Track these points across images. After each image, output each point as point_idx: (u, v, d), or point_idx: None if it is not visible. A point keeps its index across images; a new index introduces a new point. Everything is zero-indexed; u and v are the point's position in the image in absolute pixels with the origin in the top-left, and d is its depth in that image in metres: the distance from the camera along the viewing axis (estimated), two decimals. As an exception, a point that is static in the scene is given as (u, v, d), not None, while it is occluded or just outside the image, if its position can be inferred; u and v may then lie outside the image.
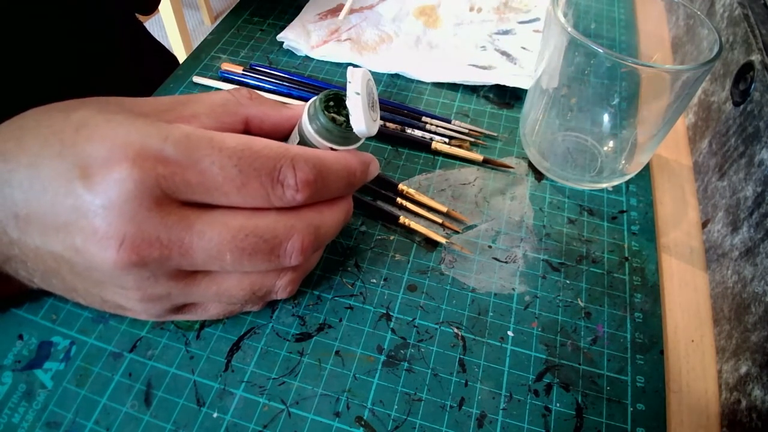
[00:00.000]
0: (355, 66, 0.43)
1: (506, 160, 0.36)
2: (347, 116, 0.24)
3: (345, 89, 0.24)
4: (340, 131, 0.24)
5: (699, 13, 0.29)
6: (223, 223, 0.21)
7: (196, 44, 0.50)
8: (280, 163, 0.21)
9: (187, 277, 0.22)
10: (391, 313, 0.28)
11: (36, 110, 0.22)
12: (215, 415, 0.24)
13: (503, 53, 0.44)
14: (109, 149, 0.20)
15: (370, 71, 0.42)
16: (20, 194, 0.20)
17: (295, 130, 0.25)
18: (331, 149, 0.24)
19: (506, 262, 0.31)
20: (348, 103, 0.23)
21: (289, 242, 0.22)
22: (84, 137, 0.20)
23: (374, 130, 0.24)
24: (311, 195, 0.22)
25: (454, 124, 0.38)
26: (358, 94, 0.23)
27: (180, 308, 0.24)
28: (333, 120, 0.24)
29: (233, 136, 0.21)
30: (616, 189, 0.35)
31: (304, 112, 0.24)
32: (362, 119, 0.23)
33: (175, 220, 0.20)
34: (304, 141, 0.24)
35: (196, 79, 0.40)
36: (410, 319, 0.28)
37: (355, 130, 0.23)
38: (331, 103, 0.24)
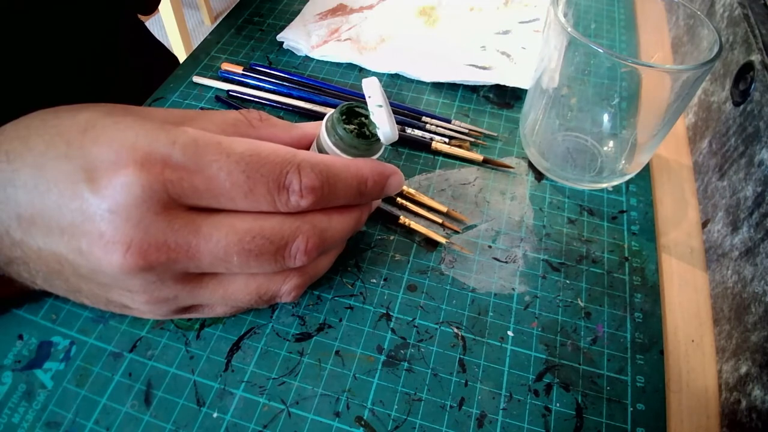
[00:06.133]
0: (354, 65, 0.43)
1: (506, 160, 0.36)
2: (363, 127, 0.25)
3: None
4: (359, 142, 0.24)
5: (699, 13, 0.29)
6: (230, 226, 0.21)
7: (196, 44, 0.50)
8: (286, 169, 0.21)
9: (194, 280, 0.23)
10: (391, 313, 0.28)
11: (43, 111, 0.22)
12: (215, 415, 0.24)
13: (503, 53, 0.44)
14: (116, 152, 0.20)
15: (370, 71, 0.42)
16: (24, 194, 0.20)
17: (313, 145, 0.26)
18: None
19: (506, 262, 0.31)
20: (373, 117, 0.24)
21: (294, 243, 0.22)
22: (91, 139, 0.20)
23: (397, 135, 0.25)
24: (316, 201, 0.22)
25: (454, 124, 0.38)
26: (380, 106, 0.24)
27: (187, 308, 0.24)
28: (351, 132, 0.24)
29: (241, 140, 0.21)
30: (616, 189, 0.35)
31: (321, 126, 0.25)
32: (389, 129, 0.24)
33: (182, 224, 0.20)
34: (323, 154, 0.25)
35: (196, 79, 0.40)
36: (410, 319, 0.28)
37: (383, 140, 0.25)
38: (344, 117, 0.25)
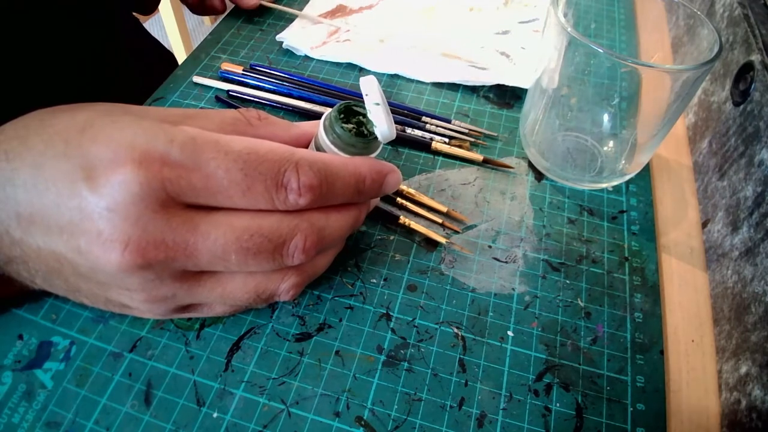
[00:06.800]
0: (354, 65, 0.43)
1: (506, 160, 0.36)
2: (361, 125, 0.25)
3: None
4: (357, 141, 0.24)
5: (699, 13, 0.29)
6: (228, 224, 0.21)
7: (196, 44, 0.50)
8: (284, 167, 0.21)
9: (192, 278, 0.23)
10: (391, 313, 0.28)
11: (41, 111, 0.22)
12: (215, 415, 0.24)
13: (503, 53, 0.44)
14: (114, 151, 0.20)
15: (369, 71, 0.42)
16: (23, 194, 0.20)
17: (311, 144, 0.26)
18: None
19: (506, 262, 0.31)
20: (370, 116, 0.24)
21: (292, 241, 0.22)
22: (89, 138, 0.20)
23: (395, 134, 0.25)
24: (315, 199, 0.22)
25: (454, 124, 0.38)
26: (378, 104, 0.24)
27: (186, 307, 0.24)
28: (349, 131, 0.24)
29: (239, 139, 0.21)
30: (616, 189, 0.35)
31: (319, 125, 0.25)
32: (386, 127, 0.24)
33: (180, 222, 0.20)
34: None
35: (197, 79, 0.40)
36: (410, 319, 0.28)
37: (380, 138, 0.24)
38: (342, 116, 0.25)
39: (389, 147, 0.37)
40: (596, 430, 0.25)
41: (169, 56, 0.60)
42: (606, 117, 0.35)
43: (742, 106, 0.32)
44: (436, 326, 0.28)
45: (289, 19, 0.47)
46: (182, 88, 0.40)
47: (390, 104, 0.39)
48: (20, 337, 0.26)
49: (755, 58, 0.31)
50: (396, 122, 0.37)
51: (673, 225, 0.34)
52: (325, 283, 0.29)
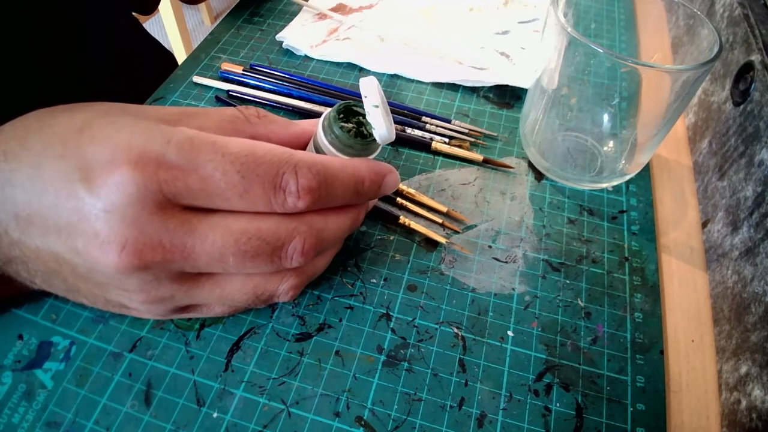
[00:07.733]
0: (354, 65, 0.43)
1: (506, 160, 0.36)
2: (361, 125, 0.25)
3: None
4: (355, 142, 0.24)
5: (699, 13, 0.29)
6: (226, 227, 0.21)
7: (196, 44, 0.50)
8: (283, 170, 0.21)
9: (190, 280, 0.22)
10: (391, 313, 0.28)
11: (40, 111, 0.22)
12: (215, 415, 0.24)
13: (502, 53, 0.44)
14: (112, 152, 0.20)
15: (369, 71, 0.42)
16: (22, 194, 0.20)
17: (310, 144, 0.26)
18: None
19: (506, 262, 0.31)
20: (369, 118, 0.24)
21: (290, 244, 0.22)
22: (87, 139, 0.20)
23: (394, 136, 0.24)
24: (314, 202, 0.22)
25: (454, 124, 0.38)
26: (377, 106, 0.24)
27: (185, 308, 0.24)
28: (348, 131, 0.24)
29: (237, 140, 0.21)
30: (616, 189, 0.35)
31: (318, 125, 0.25)
32: (385, 130, 0.24)
33: (177, 223, 0.20)
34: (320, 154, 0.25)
35: (196, 79, 0.40)
36: (410, 319, 0.28)
37: (379, 141, 0.24)
38: (341, 116, 0.24)
39: (389, 147, 0.37)
40: (596, 430, 0.25)
41: (169, 56, 0.60)
42: (606, 117, 0.35)
43: (742, 106, 0.32)
44: (436, 326, 0.28)
45: (289, 18, 0.47)
46: (182, 88, 0.40)
47: (390, 104, 0.39)
48: (20, 337, 0.26)
49: (755, 58, 0.31)
50: (396, 122, 0.37)
51: (673, 225, 0.34)
52: (325, 283, 0.29)
